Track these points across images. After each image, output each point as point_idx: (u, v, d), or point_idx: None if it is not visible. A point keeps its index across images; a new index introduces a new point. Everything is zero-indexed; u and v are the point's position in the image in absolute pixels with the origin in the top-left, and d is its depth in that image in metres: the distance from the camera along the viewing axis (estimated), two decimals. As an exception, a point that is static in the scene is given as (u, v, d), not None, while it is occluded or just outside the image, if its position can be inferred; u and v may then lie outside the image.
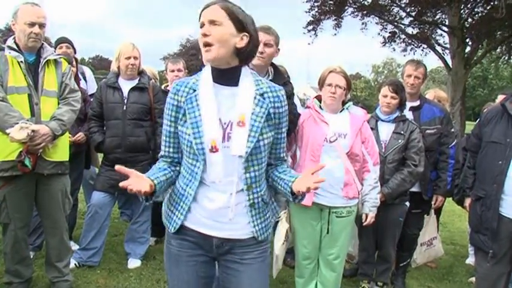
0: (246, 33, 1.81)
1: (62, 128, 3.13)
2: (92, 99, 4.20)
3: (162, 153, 1.97)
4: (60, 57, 3.35)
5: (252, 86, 1.87)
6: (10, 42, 3.13)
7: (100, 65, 44.49)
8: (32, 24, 3.06)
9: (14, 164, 3.00)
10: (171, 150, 1.94)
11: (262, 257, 1.97)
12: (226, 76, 1.85)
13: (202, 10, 1.81)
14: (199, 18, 1.81)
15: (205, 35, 1.76)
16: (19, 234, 3.21)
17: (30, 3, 3.12)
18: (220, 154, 1.79)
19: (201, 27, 1.79)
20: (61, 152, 3.24)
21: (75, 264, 3.85)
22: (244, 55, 1.84)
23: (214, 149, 1.78)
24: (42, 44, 3.22)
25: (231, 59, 1.82)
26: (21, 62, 3.06)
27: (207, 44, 1.77)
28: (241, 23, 1.80)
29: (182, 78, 1.95)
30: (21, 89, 3.05)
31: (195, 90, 1.84)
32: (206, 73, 1.87)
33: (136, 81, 3.95)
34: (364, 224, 3.22)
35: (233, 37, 1.78)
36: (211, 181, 1.83)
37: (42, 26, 3.11)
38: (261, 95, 1.87)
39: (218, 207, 1.84)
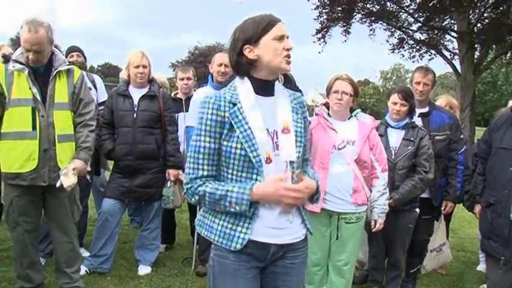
0: None
1: (89, 153, 3.28)
2: (100, 107, 4.24)
3: (201, 173, 1.84)
4: (73, 66, 3.33)
5: (285, 94, 1.97)
6: (17, 54, 3.13)
7: (109, 72, 44.81)
8: (28, 50, 3.04)
9: (18, 174, 3.04)
10: (214, 168, 1.86)
11: (306, 258, 2.03)
12: (268, 87, 1.92)
13: (276, 21, 1.86)
14: (270, 25, 1.85)
15: (290, 49, 1.87)
16: (27, 238, 3.24)
17: (28, 27, 2.98)
18: (274, 163, 1.82)
19: (279, 39, 1.85)
20: (70, 159, 3.23)
21: (85, 270, 3.87)
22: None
23: (269, 160, 1.81)
24: (54, 52, 3.21)
25: None
26: (26, 74, 3.06)
27: (290, 56, 1.87)
28: None
29: (211, 93, 1.89)
30: (24, 101, 3.05)
31: (235, 104, 1.83)
32: (245, 86, 1.88)
33: (146, 89, 3.99)
34: (373, 230, 3.22)
35: None
36: None
37: (37, 52, 3.05)
38: (291, 102, 1.96)
39: (278, 214, 1.85)
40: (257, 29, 1.84)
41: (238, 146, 1.79)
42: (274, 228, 1.85)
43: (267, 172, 1.81)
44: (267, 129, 1.85)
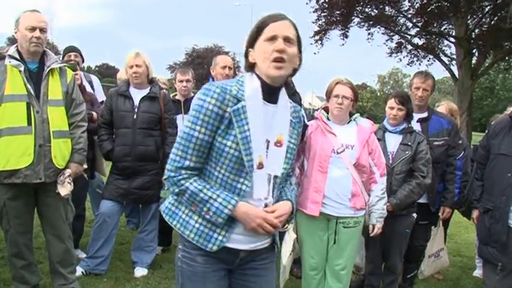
0: (300, 54, 1.83)
1: (83, 154, 3.36)
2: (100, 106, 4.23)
3: (188, 163, 1.75)
4: (65, 66, 3.36)
5: (288, 106, 1.89)
6: (12, 51, 3.14)
7: (106, 73, 44.72)
8: (33, 29, 3.08)
9: (12, 172, 3.04)
10: (201, 160, 1.77)
11: (274, 259, 2.03)
12: (274, 94, 1.83)
13: (271, 20, 1.76)
14: (263, 25, 1.76)
15: (282, 51, 1.72)
16: (20, 239, 3.23)
17: (31, 10, 3.16)
18: (264, 171, 1.78)
19: (270, 39, 1.74)
20: (64, 157, 3.24)
21: (82, 272, 3.85)
22: (292, 74, 1.85)
23: (261, 166, 1.76)
24: (45, 51, 3.24)
25: (284, 79, 1.84)
26: (21, 71, 3.07)
27: (281, 60, 1.73)
28: (300, 44, 1.82)
29: (219, 83, 1.78)
30: (18, 97, 3.05)
31: (239, 100, 1.74)
32: (253, 84, 1.79)
33: (147, 90, 3.97)
34: (371, 234, 3.22)
35: (296, 58, 1.80)
36: (258, 198, 1.80)
37: (43, 30, 3.13)
38: (290, 114, 1.89)
39: None
40: (253, 30, 1.79)
41: (234, 145, 1.72)
42: (244, 235, 1.83)
43: (255, 178, 1.77)
44: (265, 138, 1.80)
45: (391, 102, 3.60)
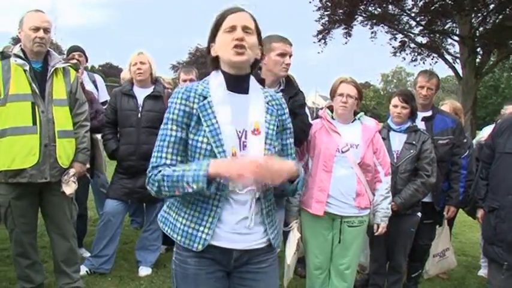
0: (261, 47, 1.89)
1: (87, 153, 3.39)
2: (102, 106, 4.23)
3: (164, 161, 1.79)
4: (68, 65, 3.37)
5: (261, 94, 1.91)
6: (16, 50, 3.15)
7: (110, 72, 44.79)
8: (37, 29, 3.09)
9: (17, 171, 3.04)
10: (178, 158, 1.80)
11: (275, 264, 1.98)
12: (240, 83, 1.87)
13: (229, 13, 1.82)
14: (222, 19, 1.82)
15: (241, 39, 1.77)
16: (24, 239, 3.24)
17: (34, 10, 3.16)
18: None
19: (230, 30, 1.79)
20: (69, 157, 3.26)
21: (86, 271, 3.87)
22: (255, 66, 1.92)
23: (234, 156, 1.76)
24: (49, 51, 3.25)
25: (248, 67, 1.87)
26: (26, 70, 3.07)
27: (242, 47, 1.78)
28: (260, 37, 1.87)
29: (187, 85, 1.93)
30: (23, 97, 3.05)
31: (205, 97, 1.81)
32: (217, 80, 1.85)
33: (151, 90, 3.98)
34: (376, 234, 3.22)
35: (256, 48, 1.85)
36: (232, 189, 1.77)
37: (46, 30, 3.13)
38: (267, 103, 1.90)
39: (239, 219, 1.81)
40: (213, 25, 1.84)
41: (205, 140, 1.76)
42: (234, 233, 1.81)
43: None
44: (236, 129, 1.80)
45: (395, 101, 3.59)
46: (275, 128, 1.88)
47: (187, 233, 1.81)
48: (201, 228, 1.79)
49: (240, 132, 1.81)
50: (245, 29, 1.79)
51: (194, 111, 1.79)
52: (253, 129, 1.82)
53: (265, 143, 1.82)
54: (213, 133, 1.76)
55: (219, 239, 1.80)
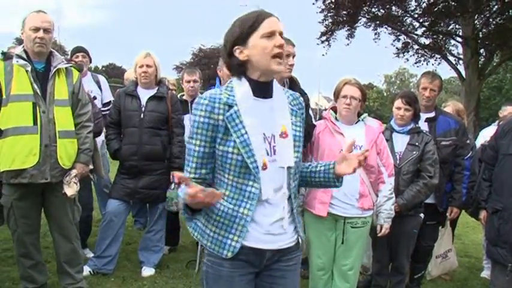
0: None
1: (89, 154, 3.37)
2: (105, 107, 4.24)
3: (188, 175, 1.80)
4: (71, 66, 3.37)
5: (284, 95, 1.90)
6: (19, 50, 3.16)
7: (113, 73, 44.86)
8: (36, 29, 3.09)
9: (18, 172, 3.05)
10: (203, 171, 1.82)
11: (299, 262, 2.02)
12: (266, 89, 1.84)
13: (265, 16, 1.76)
14: (258, 22, 1.75)
15: (282, 46, 1.74)
16: (27, 239, 3.25)
17: (36, 11, 3.17)
18: (270, 169, 1.78)
19: (269, 36, 1.73)
20: (70, 157, 3.26)
21: (89, 271, 3.87)
22: None
23: (264, 166, 1.77)
24: (52, 52, 3.25)
25: None
26: (28, 70, 3.08)
27: (281, 56, 1.75)
28: None
29: (207, 93, 1.81)
30: (24, 97, 3.06)
31: (231, 106, 1.76)
32: (243, 87, 1.80)
33: (154, 90, 3.99)
34: (379, 235, 3.21)
35: None
36: (265, 198, 1.79)
37: (47, 31, 3.13)
38: (290, 103, 1.91)
39: (274, 221, 1.82)
40: (244, 27, 1.76)
41: (235, 151, 1.74)
42: (269, 234, 1.83)
43: (263, 178, 1.77)
44: (264, 133, 1.79)
45: (398, 103, 3.58)
46: (301, 130, 1.90)
47: (217, 240, 1.81)
48: (231, 236, 1.79)
49: (268, 137, 1.81)
50: (281, 35, 1.76)
51: (220, 122, 1.75)
52: (281, 132, 1.82)
53: (294, 145, 1.84)
54: (243, 144, 1.74)
55: (253, 241, 1.81)
